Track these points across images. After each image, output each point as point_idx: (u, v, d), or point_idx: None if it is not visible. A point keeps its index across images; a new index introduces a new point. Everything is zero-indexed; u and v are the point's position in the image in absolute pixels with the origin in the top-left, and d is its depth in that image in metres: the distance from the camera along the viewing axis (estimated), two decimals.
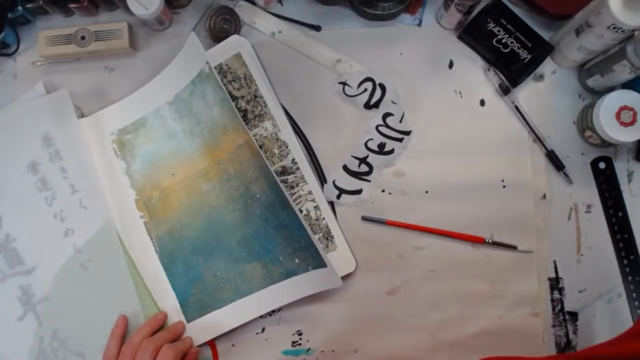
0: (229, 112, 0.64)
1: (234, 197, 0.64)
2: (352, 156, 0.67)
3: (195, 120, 0.66)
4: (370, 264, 0.65)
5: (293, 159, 0.66)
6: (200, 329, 0.63)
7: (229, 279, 0.64)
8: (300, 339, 0.64)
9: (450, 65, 0.69)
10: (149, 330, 0.60)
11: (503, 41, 0.67)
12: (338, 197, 0.66)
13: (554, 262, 0.65)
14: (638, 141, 0.67)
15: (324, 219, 0.65)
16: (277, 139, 0.67)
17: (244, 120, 0.65)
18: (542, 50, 0.67)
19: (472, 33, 0.68)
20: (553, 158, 0.67)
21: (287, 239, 0.62)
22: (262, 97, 0.67)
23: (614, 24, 0.57)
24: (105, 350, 0.59)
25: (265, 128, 0.67)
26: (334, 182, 0.66)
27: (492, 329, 0.64)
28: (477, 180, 0.67)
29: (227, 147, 0.65)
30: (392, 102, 0.67)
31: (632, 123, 0.62)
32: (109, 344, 0.60)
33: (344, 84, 0.68)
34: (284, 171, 0.66)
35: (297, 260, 0.62)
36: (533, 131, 0.67)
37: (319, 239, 0.64)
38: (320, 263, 0.61)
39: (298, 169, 0.66)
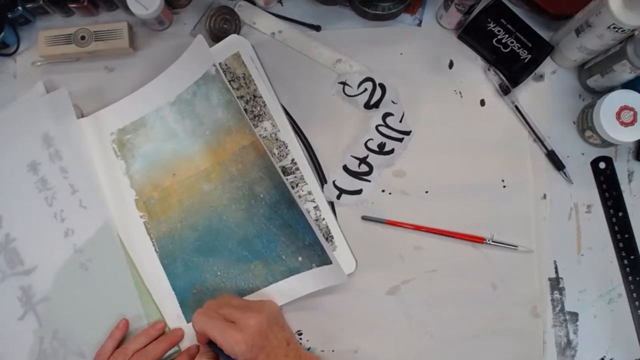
0: (234, 113, 0.64)
1: (237, 198, 0.64)
2: (352, 156, 0.67)
3: (197, 121, 0.66)
4: (370, 264, 0.65)
5: (293, 159, 0.66)
6: None
7: (229, 278, 0.64)
8: (300, 339, 0.64)
9: (450, 65, 0.69)
10: (145, 340, 0.60)
11: (503, 41, 0.67)
12: (338, 197, 0.66)
13: (554, 262, 0.65)
14: (638, 141, 0.67)
15: (324, 219, 0.65)
16: (277, 139, 0.67)
17: None
18: (542, 50, 0.67)
19: (472, 33, 0.68)
20: (553, 158, 0.67)
21: (290, 238, 0.62)
22: (261, 97, 0.67)
23: (614, 24, 0.57)
24: (100, 348, 0.60)
25: (265, 128, 0.67)
26: (334, 182, 0.66)
27: (492, 329, 0.64)
28: (477, 180, 0.67)
29: (230, 147, 0.65)
30: (392, 102, 0.67)
31: (632, 123, 0.62)
32: (105, 343, 0.60)
33: (344, 84, 0.68)
34: (283, 171, 0.66)
35: (300, 259, 0.62)
36: (533, 131, 0.67)
37: None
38: (325, 260, 0.61)
39: (298, 169, 0.66)
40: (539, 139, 0.67)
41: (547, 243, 0.66)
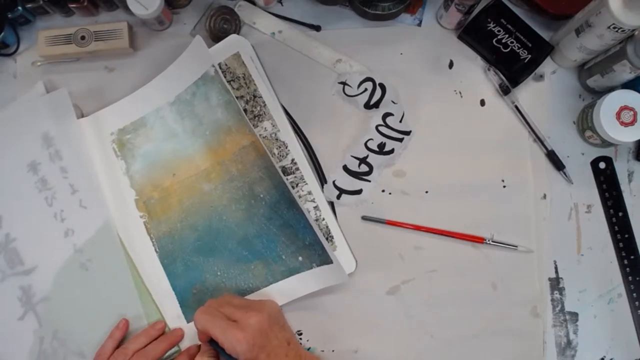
0: (234, 113, 0.64)
1: (237, 198, 0.64)
2: (352, 156, 0.67)
3: (197, 121, 0.66)
4: (370, 264, 0.65)
5: (293, 159, 0.66)
6: None
7: (229, 278, 0.64)
8: (300, 339, 0.64)
9: (450, 65, 0.69)
10: (145, 340, 0.60)
11: (503, 41, 0.67)
12: (338, 197, 0.66)
13: (554, 262, 0.65)
14: (638, 141, 0.67)
15: (324, 219, 0.65)
16: (277, 139, 0.67)
17: None
18: (542, 50, 0.67)
19: (472, 33, 0.68)
20: (553, 158, 0.67)
21: (290, 238, 0.62)
22: (261, 97, 0.67)
23: (614, 24, 0.57)
24: (100, 348, 0.60)
25: (265, 128, 0.67)
26: (334, 182, 0.66)
27: (492, 329, 0.64)
28: (477, 180, 0.67)
29: (230, 147, 0.65)
30: (392, 102, 0.67)
31: (632, 123, 0.62)
32: (105, 343, 0.60)
33: (344, 84, 0.68)
34: (283, 171, 0.66)
35: (300, 259, 0.62)
36: (533, 131, 0.67)
37: None
38: (326, 260, 0.61)
39: (298, 169, 0.66)
40: (539, 139, 0.67)
41: (547, 243, 0.66)
